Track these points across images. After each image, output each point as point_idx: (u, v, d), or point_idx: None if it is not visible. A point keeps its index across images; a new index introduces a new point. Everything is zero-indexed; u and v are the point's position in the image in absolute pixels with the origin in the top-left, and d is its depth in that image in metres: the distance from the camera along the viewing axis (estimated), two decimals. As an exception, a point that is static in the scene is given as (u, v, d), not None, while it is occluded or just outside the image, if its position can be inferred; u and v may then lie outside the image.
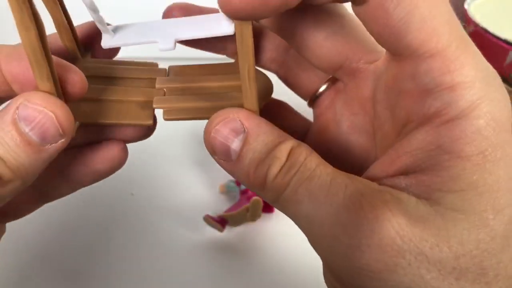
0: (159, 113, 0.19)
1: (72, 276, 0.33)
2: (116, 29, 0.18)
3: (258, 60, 0.19)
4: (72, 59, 0.20)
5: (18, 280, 0.32)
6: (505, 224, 0.13)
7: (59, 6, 0.18)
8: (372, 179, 0.15)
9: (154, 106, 0.18)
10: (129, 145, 0.20)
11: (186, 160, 0.39)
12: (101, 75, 0.20)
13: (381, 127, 0.16)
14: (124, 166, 0.22)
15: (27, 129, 0.15)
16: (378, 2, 0.13)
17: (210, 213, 0.34)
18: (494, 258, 0.13)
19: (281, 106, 0.20)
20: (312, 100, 0.19)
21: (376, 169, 0.15)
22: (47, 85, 0.15)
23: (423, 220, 0.13)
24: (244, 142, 0.15)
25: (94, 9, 0.17)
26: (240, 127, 0.15)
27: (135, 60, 0.21)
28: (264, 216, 0.37)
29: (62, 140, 0.15)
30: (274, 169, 0.15)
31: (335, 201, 0.14)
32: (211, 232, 0.35)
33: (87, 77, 0.17)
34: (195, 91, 0.18)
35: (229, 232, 0.34)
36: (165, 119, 0.18)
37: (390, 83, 0.15)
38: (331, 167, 0.15)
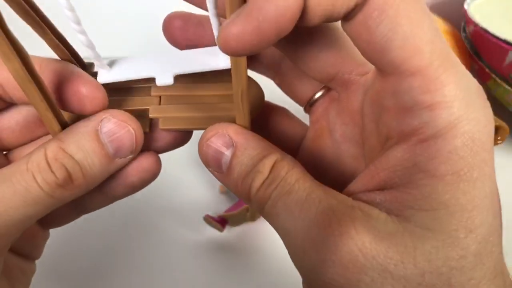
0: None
1: (72, 276, 0.33)
2: (112, 63, 0.19)
3: (254, 68, 0.20)
4: None
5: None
6: (478, 242, 0.13)
7: (48, 31, 0.18)
8: (353, 192, 0.16)
9: (150, 115, 0.18)
10: None
11: (186, 160, 0.39)
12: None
13: (368, 139, 0.17)
14: None
15: (106, 140, 0.17)
16: (362, 19, 0.13)
17: (210, 213, 0.34)
18: (464, 276, 0.13)
19: (280, 111, 0.21)
20: (308, 106, 0.20)
21: (357, 182, 0.16)
22: (43, 106, 0.16)
23: (389, 237, 0.14)
24: (233, 156, 0.16)
25: (91, 47, 0.17)
26: (230, 142, 0.16)
27: None
28: (264, 216, 0.37)
29: (131, 156, 0.17)
30: (257, 182, 0.15)
31: (307, 216, 0.14)
32: (211, 232, 0.35)
33: None
34: (190, 100, 0.18)
35: (229, 232, 0.34)
36: (161, 129, 0.18)
37: (374, 98, 0.16)
38: (310, 181, 0.15)
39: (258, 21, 0.12)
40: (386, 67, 0.14)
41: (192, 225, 0.35)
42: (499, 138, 0.30)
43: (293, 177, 0.15)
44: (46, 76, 0.17)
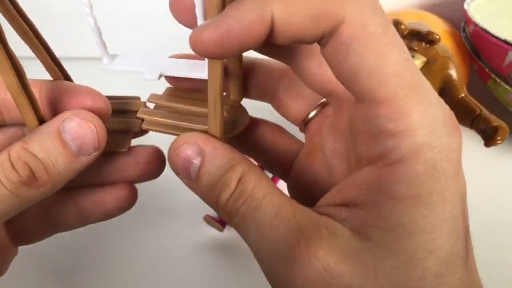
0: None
1: (72, 275, 0.33)
2: (114, 57, 0.21)
3: (250, 94, 0.21)
4: None
5: (15, 280, 0.32)
6: (439, 264, 0.14)
7: (43, 49, 0.20)
8: (322, 205, 0.16)
9: (137, 115, 0.20)
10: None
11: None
12: None
13: (350, 157, 0.17)
14: None
15: (69, 139, 0.17)
16: (331, 50, 0.14)
17: (210, 213, 0.34)
18: None
19: (277, 129, 0.21)
20: (303, 125, 0.20)
21: (328, 196, 0.17)
22: (31, 119, 0.17)
23: (353, 256, 0.14)
24: (201, 165, 0.16)
25: (98, 33, 0.19)
26: (198, 151, 0.16)
27: (121, 95, 0.24)
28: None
29: (95, 153, 0.18)
30: (224, 195, 0.16)
31: (277, 235, 0.15)
32: (211, 232, 0.35)
33: None
34: (178, 110, 0.20)
35: (229, 232, 0.34)
36: (143, 128, 0.20)
37: (351, 121, 0.16)
38: (278, 196, 0.16)
39: (222, 34, 0.13)
40: (356, 95, 0.15)
41: (192, 225, 0.35)
42: (499, 138, 0.30)
43: (261, 192, 0.16)
44: (48, 93, 0.19)
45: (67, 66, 0.22)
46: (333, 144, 0.19)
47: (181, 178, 0.17)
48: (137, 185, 0.39)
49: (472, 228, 0.38)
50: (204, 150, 0.16)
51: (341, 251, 0.14)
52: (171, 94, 0.21)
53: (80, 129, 0.17)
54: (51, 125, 0.17)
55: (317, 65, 0.18)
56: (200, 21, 0.17)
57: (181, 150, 0.16)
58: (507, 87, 0.41)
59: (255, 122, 0.21)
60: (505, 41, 0.39)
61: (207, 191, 0.16)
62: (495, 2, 0.47)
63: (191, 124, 0.19)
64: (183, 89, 0.21)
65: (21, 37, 0.19)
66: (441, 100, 0.15)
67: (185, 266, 0.33)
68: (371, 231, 0.14)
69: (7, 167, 0.16)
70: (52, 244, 0.35)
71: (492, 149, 0.32)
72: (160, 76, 0.20)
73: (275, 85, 0.20)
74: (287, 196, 0.16)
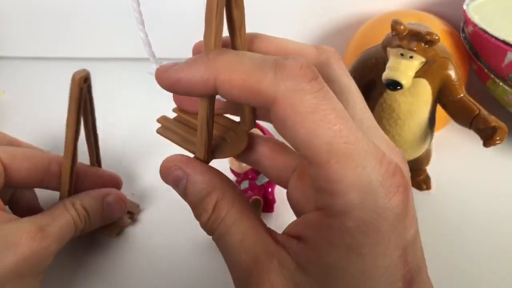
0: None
1: (71, 274, 0.33)
2: (161, 63, 0.24)
3: (257, 117, 0.23)
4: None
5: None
6: None
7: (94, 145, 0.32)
8: (286, 232, 0.19)
9: (157, 119, 0.22)
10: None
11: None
12: None
13: None
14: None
15: (105, 207, 0.31)
16: (272, 119, 0.16)
17: (210, 213, 0.34)
18: None
19: (276, 146, 0.23)
20: None
21: (291, 225, 0.19)
22: (66, 190, 0.30)
23: (295, 287, 0.17)
24: (185, 187, 0.19)
25: (148, 45, 0.21)
26: (183, 174, 0.19)
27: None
28: (264, 215, 0.37)
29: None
30: (203, 218, 0.19)
31: (239, 260, 0.18)
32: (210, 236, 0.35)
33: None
34: (194, 126, 0.22)
35: (229, 232, 0.35)
36: (157, 132, 0.22)
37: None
38: (246, 223, 0.18)
39: (174, 83, 0.17)
40: (301, 156, 0.17)
41: (192, 225, 0.35)
42: (498, 138, 0.30)
43: (231, 219, 0.18)
44: (81, 175, 0.32)
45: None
46: None
47: (174, 189, 0.20)
48: (138, 185, 0.40)
49: (471, 228, 0.38)
50: (187, 173, 0.19)
51: (286, 282, 0.17)
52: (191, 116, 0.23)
53: (116, 203, 0.32)
54: (100, 193, 0.31)
55: None
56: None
57: (170, 172, 0.19)
58: (506, 87, 0.41)
59: (255, 140, 0.22)
60: (504, 42, 0.39)
61: (192, 208, 0.20)
62: (494, 3, 0.47)
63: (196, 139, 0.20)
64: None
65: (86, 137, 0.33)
66: (387, 159, 0.16)
67: (185, 265, 0.33)
68: (312, 267, 0.17)
69: (75, 213, 0.29)
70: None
71: (491, 149, 0.32)
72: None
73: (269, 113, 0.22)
74: (255, 220, 0.19)
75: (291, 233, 0.18)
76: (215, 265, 0.33)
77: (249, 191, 0.36)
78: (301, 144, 0.16)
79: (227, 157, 0.21)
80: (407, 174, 0.18)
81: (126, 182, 0.40)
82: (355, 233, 0.16)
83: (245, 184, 0.37)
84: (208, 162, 0.20)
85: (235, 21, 0.18)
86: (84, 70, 0.29)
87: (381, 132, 0.19)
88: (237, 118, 0.23)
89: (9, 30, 0.57)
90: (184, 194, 0.20)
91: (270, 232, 0.19)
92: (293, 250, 0.17)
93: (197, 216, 0.19)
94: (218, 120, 0.22)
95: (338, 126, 0.15)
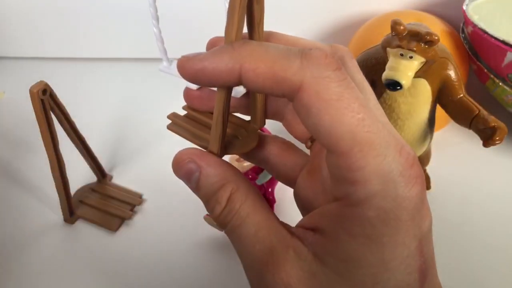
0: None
1: (72, 272, 0.33)
2: (171, 62, 0.24)
3: (267, 116, 0.23)
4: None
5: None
6: None
7: (85, 151, 0.34)
8: (300, 225, 0.19)
9: (167, 116, 0.22)
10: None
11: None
12: (103, 192, 0.39)
13: None
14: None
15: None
16: (296, 109, 0.16)
17: (210, 213, 0.34)
18: None
19: (285, 145, 0.23)
20: (309, 144, 0.22)
21: (306, 217, 0.19)
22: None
23: (311, 277, 0.17)
24: (198, 180, 0.19)
25: (161, 41, 0.22)
26: (196, 167, 0.19)
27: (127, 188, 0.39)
28: (264, 215, 0.37)
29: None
30: (217, 211, 0.19)
31: (253, 251, 0.18)
32: (211, 232, 0.35)
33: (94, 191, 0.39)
34: (202, 122, 0.22)
35: (229, 232, 0.35)
36: (167, 128, 0.22)
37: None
38: (260, 215, 0.18)
39: (198, 72, 0.17)
40: (321, 145, 0.17)
41: (192, 225, 0.36)
42: (497, 138, 0.30)
43: (245, 211, 0.18)
44: None
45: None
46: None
47: (185, 183, 0.20)
48: (138, 186, 0.40)
49: (471, 228, 0.38)
50: (201, 166, 0.19)
51: (302, 273, 0.17)
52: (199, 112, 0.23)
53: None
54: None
55: (297, 122, 0.21)
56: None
57: (183, 164, 0.19)
58: (506, 87, 0.41)
59: (265, 139, 0.23)
60: (503, 42, 0.39)
61: (204, 201, 0.19)
62: (493, 3, 0.47)
63: (207, 136, 0.21)
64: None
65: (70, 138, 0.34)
66: (406, 150, 0.16)
67: (185, 265, 0.33)
68: (328, 258, 0.17)
69: None
70: (50, 243, 0.35)
71: (490, 149, 0.32)
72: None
73: (284, 109, 0.22)
74: (269, 213, 0.19)
75: (306, 225, 0.18)
76: (215, 265, 0.33)
77: (249, 191, 0.36)
78: (325, 131, 0.16)
79: (239, 153, 0.21)
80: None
81: (128, 174, 0.40)
82: (375, 222, 0.16)
83: (245, 184, 0.37)
84: (221, 156, 0.20)
85: (255, 17, 0.18)
86: (41, 82, 0.30)
87: (394, 129, 0.19)
88: (246, 117, 0.23)
89: (9, 30, 0.58)
90: (196, 188, 0.19)
91: (284, 225, 0.19)
92: (309, 241, 0.17)
93: (210, 209, 0.19)
94: (230, 118, 0.22)
95: (361, 115, 0.16)
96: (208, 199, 0.19)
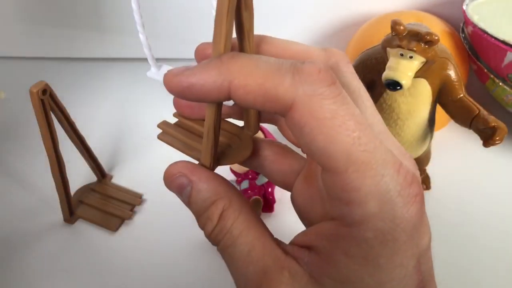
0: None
1: (72, 272, 0.33)
2: (160, 67, 0.24)
3: (261, 119, 0.22)
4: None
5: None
6: None
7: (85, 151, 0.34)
8: (295, 242, 0.18)
9: (157, 125, 0.21)
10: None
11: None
12: (103, 192, 0.39)
13: None
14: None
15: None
16: (288, 125, 0.16)
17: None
18: None
19: (280, 150, 0.22)
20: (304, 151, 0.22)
21: (301, 235, 0.18)
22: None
23: None
24: (189, 195, 0.19)
25: (147, 48, 0.20)
26: (187, 181, 0.19)
27: (127, 188, 0.39)
28: (264, 215, 0.37)
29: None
30: (208, 228, 0.18)
31: (246, 272, 0.17)
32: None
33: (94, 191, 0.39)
34: (196, 131, 0.21)
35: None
36: (158, 138, 0.21)
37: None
38: (253, 233, 0.18)
39: (185, 89, 0.16)
40: (317, 163, 0.16)
41: (192, 225, 0.35)
42: (497, 138, 0.30)
43: (237, 229, 0.18)
44: None
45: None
46: None
47: (178, 196, 0.20)
48: (138, 187, 0.40)
49: (471, 228, 0.38)
50: (192, 180, 0.18)
51: None
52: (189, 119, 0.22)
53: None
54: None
55: None
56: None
57: (174, 179, 0.19)
58: (506, 87, 0.41)
59: (259, 144, 0.22)
60: (503, 42, 0.39)
61: (196, 216, 0.19)
62: (493, 3, 0.47)
63: (200, 146, 0.20)
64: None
65: (71, 139, 0.34)
66: (405, 168, 0.16)
67: (185, 265, 0.33)
68: (325, 280, 0.16)
69: None
70: (49, 241, 0.35)
71: (491, 149, 0.32)
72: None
73: (275, 117, 0.22)
74: (262, 229, 0.18)
75: (301, 243, 0.18)
76: (215, 265, 0.33)
77: (249, 191, 0.36)
78: (319, 151, 0.15)
79: (233, 163, 0.21)
80: (419, 178, 0.18)
81: (128, 174, 0.40)
82: (373, 244, 0.15)
83: (245, 184, 0.37)
84: (213, 169, 0.19)
85: (244, 24, 0.17)
86: (41, 82, 0.30)
87: (392, 137, 0.19)
88: (240, 123, 0.22)
89: (9, 30, 0.58)
90: (188, 203, 0.19)
91: (278, 243, 0.18)
92: (305, 261, 0.17)
93: (202, 225, 0.19)
94: (222, 125, 0.21)
95: (357, 133, 0.15)
96: (199, 215, 0.19)
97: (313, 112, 0.15)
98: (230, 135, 0.21)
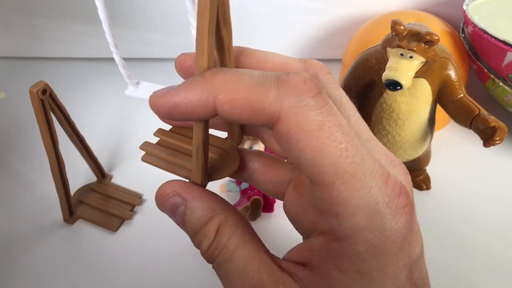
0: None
1: (72, 272, 0.33)
2: (138, 84, 0.23)
3: (243, 131, 0.22)
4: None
5: None
6: None
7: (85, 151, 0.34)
8: (289, 258, 0.18)
9: (140, 147, 0.21)
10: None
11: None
12: (103, 192, 0.39)
13: None
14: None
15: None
16: (275, 138, 0.16)
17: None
18: None
19: (269, 161, 0.22)
20: (289, 162, 0.21)
21: (294, 250, 0.18)
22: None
23: None
24: (184, 214, 0.18)
25: (123, 67, 0.20)
26: (181, 201, 0.18)
27: (127, 188, 0.39)
28: (264, 215, 0.37)
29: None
30: (204, 245, 0.18)
31: (242, 287, 0.17)
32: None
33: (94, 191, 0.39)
34: (178, 149, 0.21)
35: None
36: (142, 160, 0.20)
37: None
38: (249, 248, 0.18)
39: (171, 109, 0.16)
40: (304, 175, 0.16)
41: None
42: (497, 138, 0.30)
43: (233, 244, 0.18)
44: None
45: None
46: None
47: (170, 217, 0.19)
48: (138, 187, 0.40)
49: (471, 228, 0.38)
50: (185, 199, 0.18)
51: None
52: (175, 130, 0.21)
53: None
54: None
55: (274, 142, 0.20)
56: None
57: (167, 198, 0.18)
58: (506, 87, 0.41)
59: (247, 156, 0.22)
60: (504, 42, 0.39)
61: (191, 235, 0.18)
62: (494, 3, 0.47)
63: (188, 165, 0.20)
64: (189, 129, 0.21)
65: (72, 141, 0.34)
66: (393, 179, 0.16)
67: (185, 265, 0.33)
68: None
69: None
70: (49, 242, 0.35)
71: (491, 149, 0.32)
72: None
73: (259, 128, 0.21)
74: (258, 244, 0.18)
75: (296, 259, 0.18)
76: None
77: (249, 191, 0.36)
78: (306, 164, 0.15)
79: (223, 178, 0.20)
80: (410, 185, 0.18)
81: (128, 174, 0.40)
82: (365, 257, 0.15)
83: (245, 184, 0.37)
84: (205, 186, 0.19)
85: (224, 40, 0.17)
86: (41, 82, 0.30)
87: (379, 143, 0.18)
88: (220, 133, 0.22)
89: (9, 30, 0.58)
90: (182, 222, 0.18)
91: (274, 258, 0.18)
92: (300, 277, 0.17)
93: (197, 243, 0.18)
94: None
95: (344, 144, 0.15)
96: (194, 234, 0.18)
97: (300, 124, 0.15)
98: (216, 148, 0.21)
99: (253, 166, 0.22)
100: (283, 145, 0.15)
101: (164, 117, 0.17)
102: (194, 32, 0.16)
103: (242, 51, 0.19)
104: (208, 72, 0.16)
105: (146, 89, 0.22)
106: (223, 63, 0.18)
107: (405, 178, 0.17)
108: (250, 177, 0.22)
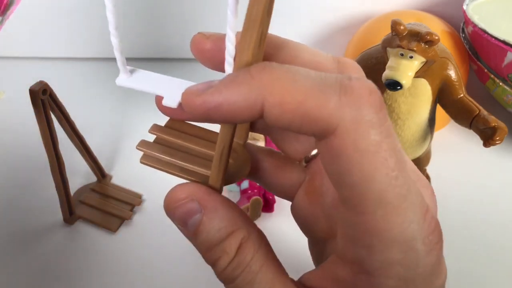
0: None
1: (72, 272, 0.33)
2: (132, 71, 0.19)
3: (252, 128, 0.20)
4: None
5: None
6: None
7: (85, 152, 0.36)
8: (309, 284, 0.16)
9: (136, 147, 0.18)
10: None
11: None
12: (103, 192, 0.39)
13: None
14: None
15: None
16: (321, 149, 0.14)
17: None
18: None
19: (279, 162, 0.20)
20: (303, 163, 0.20)
21: (313, 276, 0.17)
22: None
23: None
24: (200, 222, 0.16)
25: (120, 51, 0.18)
26: (198, 208, 0.16)
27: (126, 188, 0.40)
28: (264, 215, 0.37)
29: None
30: (223, 262, 0.16)
31: None
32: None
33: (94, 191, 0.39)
34: (179, 147, 0.18)
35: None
36: (140, 162, 0.19)
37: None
38: (273, 270, 0.16)
39: (210, 110, 0.13)
40: (338, 195, 0.14)
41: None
42: (497, 138, 0.30)
43: (257, 264, 0.16)
44: None
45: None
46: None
47: (175, 223, 0.17)
48: (138, 187, 0.40)
49: (471, 228, 0.38)
50: (204, 206, 0.16)
51: None
52: (172, 126, 0.19)
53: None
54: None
55: (288, 141, 0.18)
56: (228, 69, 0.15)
57: (181, 204, 0.16)
58: (506, 87, 0.41)
59: (256, 155, 0.20)
60: (504, 42, 0.39)
61: (204, 249, 0.16)
62: (494, 3, 0.47)
63: (193, 166, 0.18)
64: (188, 124, 0.19)
65: (72, 141, 0.35)
66: (430, 214, 0.15)
67: (185, 266, 0.33)
68: None
69: None
70: (48, 242, 0.35)
71: (491, 149, 0.32)
72: (179, 104, 0.17)
73: (269, 127, 0.19)
74: (281, 266, 0.16)
75: (317, 286, 0.16)
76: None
77: (249, 191, 0.36)
78: (349, 185, 0.13)
79: (237, 181, 0.19)
80: (436, 205, 0.17)
81: (128, 174, 0.40)
82: None
83: (245, 184, 0.37)
84: (221, 192, 0.17)
85: (263, 30, 0.15)
86: (41, 82, 0.30)
87: (408, 159, 0.17)
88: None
89: (9, 30, 0.57)
90: (195, 232, 0.16)
91: (295, 283, 0.17)
92: None
93: (212, 259, 0.16)
94: (212, 138, 0.19)
95: (395, 172, 0.13)
96: (209, 247, 0.16)
97: (357, 142, 0.13)
98: None
99: (263, 167, 0.20)
100: (327, 158, 0.14)
101: (201, 119, 0.15)
102: (230, 13, 0.14)
103: (284, 43, 0.17)
104: (255, 67, 0.13)
105: (143, 78, 0.19)
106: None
107: (432, 199, 0.17)
108: (259, 178, 0.20)
